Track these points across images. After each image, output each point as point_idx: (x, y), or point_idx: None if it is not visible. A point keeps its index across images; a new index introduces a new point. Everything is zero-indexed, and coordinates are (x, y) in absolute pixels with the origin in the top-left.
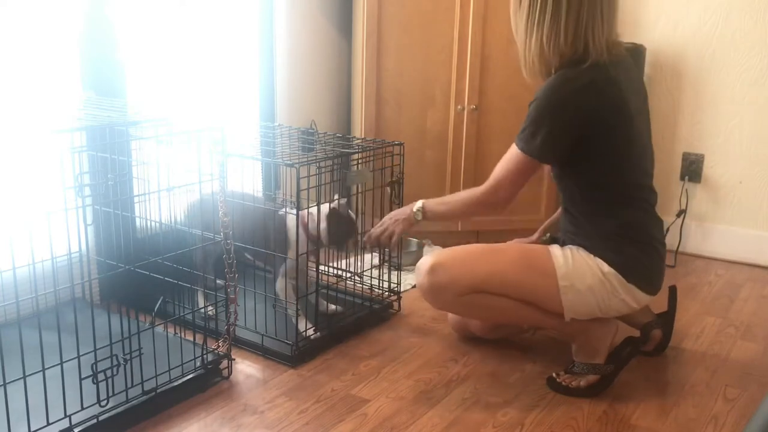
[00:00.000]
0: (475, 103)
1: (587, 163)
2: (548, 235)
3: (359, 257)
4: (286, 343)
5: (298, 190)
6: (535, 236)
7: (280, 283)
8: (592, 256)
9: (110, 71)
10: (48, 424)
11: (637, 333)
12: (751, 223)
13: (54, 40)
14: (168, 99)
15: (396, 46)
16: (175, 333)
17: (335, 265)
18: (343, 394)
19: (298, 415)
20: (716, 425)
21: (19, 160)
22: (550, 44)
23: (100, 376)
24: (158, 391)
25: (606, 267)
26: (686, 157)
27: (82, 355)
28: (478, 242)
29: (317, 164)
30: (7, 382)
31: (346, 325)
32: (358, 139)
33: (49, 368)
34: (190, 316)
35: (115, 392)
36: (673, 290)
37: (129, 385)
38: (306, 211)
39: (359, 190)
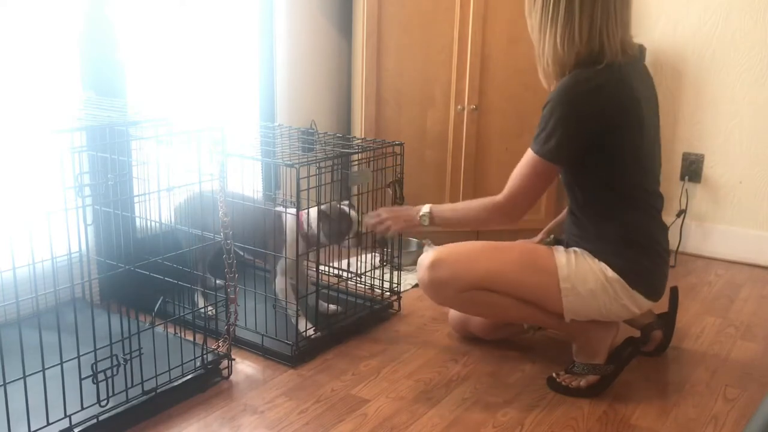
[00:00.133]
0: (475, 103)
1: (597, 166)
2: (552, 236)
3: (359, 256)
4: (286, 343)
5: (298, 190)
6: (539, 237)
7: (279, 283)
8: (596, 260)
9: (110, 71)
10: (48, 424)
11: (637, 333)
12: (751, 223)
13: (54, 40)
14: (168, 99)
15: (396, 46)
16: (175, 333)
17: (335, 265)
18: (343, 394)
19: (298, 415)
20: (716, 425)
21: (19, 160)
22: (564, 44)
23: (100, 376)
24: (158, 391)
25: (610, 272)
26: (686, 157)
27: (82, 355)
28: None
29: (317, 164)
30: (7, 382)
31: (346, 325)
32: (358, 139)
33: (49, 368)
34: (190, 316)
35: (115, 392)
36: (674, 291)
37: (129, 385)
38: (303, 212)
39: (360, 191)
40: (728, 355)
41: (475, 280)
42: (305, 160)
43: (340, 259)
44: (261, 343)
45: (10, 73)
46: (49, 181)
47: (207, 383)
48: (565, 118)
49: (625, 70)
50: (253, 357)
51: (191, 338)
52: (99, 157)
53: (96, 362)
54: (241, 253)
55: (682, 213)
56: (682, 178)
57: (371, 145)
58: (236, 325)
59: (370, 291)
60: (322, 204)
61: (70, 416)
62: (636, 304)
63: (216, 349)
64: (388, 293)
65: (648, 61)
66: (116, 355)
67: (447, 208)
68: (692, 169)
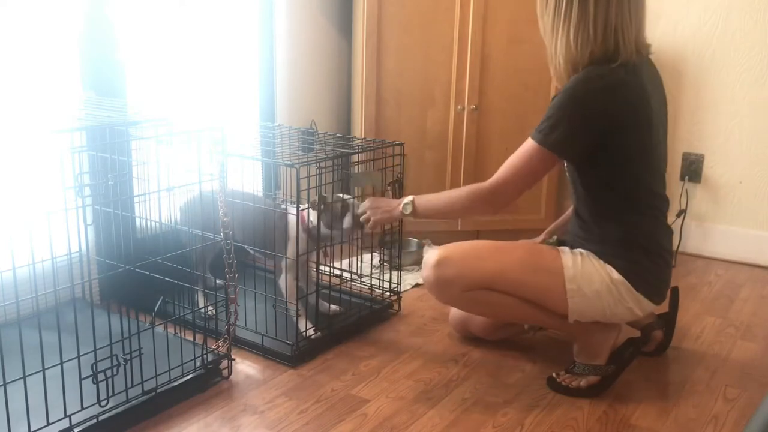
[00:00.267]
0: (475, 103)
1: (604, 166)
2: (555, 237)
3: (359, 256)
4: (286, 343)
5: (298, 190)
6: (541, 238)
7: (283, 280)
8: (601, 262)
9: (110, 71)
10: (48, 424)
11: (637, 333)
12: (751, 223)
13: (54, 40)
14: (168, 99)
15: (396, 46)
16: (175, 333)
17: (335, 265)
18: (343, 394)
19: (298, 415)
20: (716, 425)
21: (19, 160)
22: (577, 43)
23: (100, 376)
24: (158, 391)
25: (615, 274)
26: (686, 157)
27: (82, 355)
28: None
29: (317, 164)
30: (7, 382)
31: (346, 325)
32: (358, 139)
33: (49, 368)
34: (190, 316)
35: (115, 392)
36: (675, 291)
37: (129, 385)
38: (305, 210)
39: (360, 193)
40: (728, 355)
41: (481, 279)
42: (305, 160)
43: (340, 259)
44: (261, 343)
45: (10, 73)
46: (49, 181)
47: (207, 383)
48: (573, 112)
49: (638, 70)
50: (253, 357)
51: (191, 338)
52: (99, 157)
53: (96, 362)
54: (250, 251)
55: (682, 213)
56: (682, 178)
57: (371, 145)
58: (236, 325)
59: (369, 291)
60: (312, 199)
61: (70, 416)
62: (640, 306)
63: (216, 349)
64: (388, 293)
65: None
66: (116, 355)
67: (431, 196)
68: (692, 169)
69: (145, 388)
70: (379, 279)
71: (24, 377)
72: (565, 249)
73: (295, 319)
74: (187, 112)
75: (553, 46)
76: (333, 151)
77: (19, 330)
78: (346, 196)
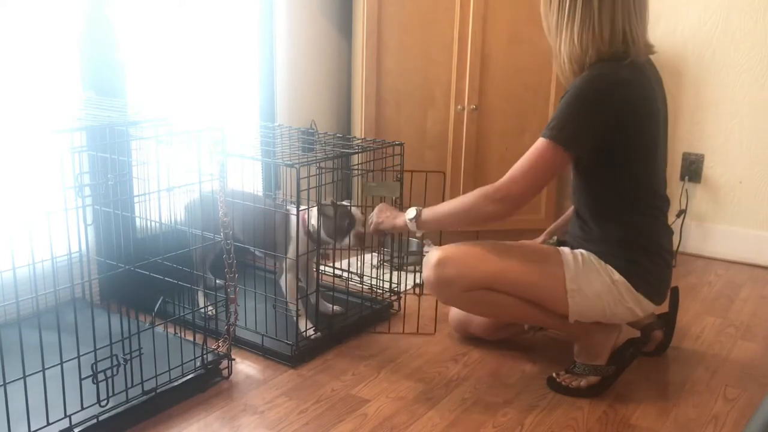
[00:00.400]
0: (475, 103)
1: (605, 166)
2: (555, 238)
3: (360, 256)
4: (286, 343)
5: (298, 190)
6: (541, 238)
7: (284, 280)
8: (602, 262)
9: (110, 71)
10: (48, 424)
11: (637, 333)
12: (751, 223)
13: (54, 40)
14: (168, 99)
15: (396, 46)
16: (175, 333)
17: (335, 265)
18: (343, 394)
19: (298, 415)
20: (716, 425)
21: (19, 160)
22: (582, 42)
23: (100, 376)
24: (158, 391)
25: (616, 275)
26: (686, 157)
27: (82, 355)
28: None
29: (317, 164)
30: (7, 382)
31: (346, 325)
32: (358, 139)
33: (49, 368)
34: (190, 316)
35: (115, 392)
36: (675, 291)
37: (129, 385)
38: (306, 211)
39: (372, 203)
40: (728, 355)
41: (482, 279)
42: (305, 160)
43: (340, 259)
44: (261, 343)
45: (10, 73)
46: (49, 181)
47: (207, 383)
48: (582, 110)
49: (644, 69)
50: (253, 357)
51: (191, 338)
52: (99, 157)
53: (96, 362)
54: (252, 250)
55: (682, 213)
56: (682, 178)
57: (371, 145)
58: (236, 325)
59: (370, 291)
60: (323, 202)
61: (70, 416)
62: (640, 306)
63: (216, 349)
64: (388, 293)
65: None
66: (116, 355)
67: (437, 205)
68: (692, 169)
69: (145, 388)
70: (380, 279)
71: (24, 377)
72: (566, 249)
73: (295, 318)
74: (187, 112)
75: (558, 46)
76: (333, 151)
77: (19, 330)
78: (353, 209)
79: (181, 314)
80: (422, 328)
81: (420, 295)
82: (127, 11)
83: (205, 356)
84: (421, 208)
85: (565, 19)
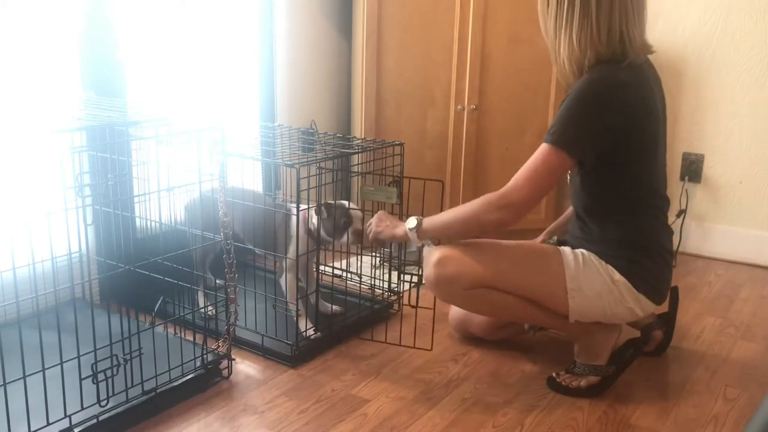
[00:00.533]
0: (475, 103)
1: (606, 166)
2: (555, 238)
3: (360, 256)
4: (286, 343)
5: (298, 190)
6: (541, 238)
7: (284, 279)
8: (602, 262)
9: (110, 71)
10: (48, 424)
11: (637, 333)
12: (751, 223)
13: (54, 40)
14: (168, 99)
15: (396, 46)
16: (175, 333)
17: (335, 265)
18: (343, 394)
19: (298, 415)
20: (716, 425)
21: (19, 160)
22: (581, 43)
23: (100, 376)
24: (158, 391)
25: (617, 275)
26: (686, 157)
27: (82, 355)
28: None
29: (317, 164)
30: (7, 382)
31: (346, 325)
32: (358, 139)
33: (49, 368)
34: (190, 316)
35: (115, 392)
36: (674, 291)
37: (129, 385)
38: (306, 210)
39: (372, 208)
40: (728, 355)
41: (482, 278)
42: (305, 160)
43: (340, 259)
44: (261, 343)
45: (10, 73)
46: (49, 181)
47: (207, 383)
48: (583, 113)
49: (643, 70)
50: (253, 357)
51: (191, 338)
52: (99, 157)
53: (96, 362)
54: (255, 251)
55: (682, 213)
56: (682, 178)
57: (371, 145)
58: (236, 325)
59: (369, 291)
60: (323, 202)
61: (70, 416)
62: (640, 306)
63: (216, 349)
64: (388, 293)
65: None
66: (116, 355)
67: (439, 214)
68: (692, 169)
69: (145, 388)
70: (380, 279)
71: (24, 377)
72: (566, 249)
73: (295, 318)
74: (187, 112)
75: (557, 48)
76: (333, 151)
77: (19, 330)
78: (352, 208)
79: (181, 314)
80: (422, 328)
81: (416, 307)
82: (127, 11)
83: (205, 356)
84: (421, 217)
85: (564, 20)
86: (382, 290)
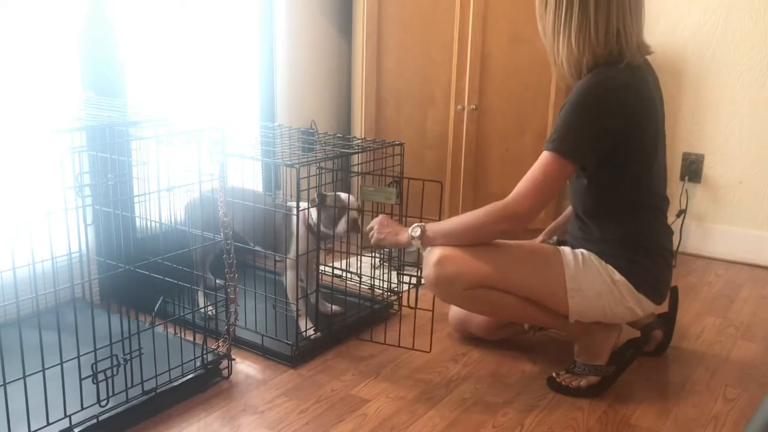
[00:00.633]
0: (475, 103)
1: (606, 167)
2: (555, 238)
3: (360, 256)
4: (286, 343)
5: (298, 190)
6: (540, 238)
7: (289, 278)
8: (603, 262)
9: (110, 71)
10: (48, 424)
11: (637, 333)
12: (751, 223)
13: (54, 40)
14: (168, 99)
15: (396, 46)
16: (175, 333)
17: (335, 265)
18: (343, 394)
19: (298, 415)
20: (716, 425)
21: (19, 160)
22: (579, 44)
23: (100, 376)
24: (158, 391)
25: (617, 275)
26: (686, 157)
27: (82, 355)
28: None
29: (317, 164)
30: (7, 382)
31: (346, 325)
32: (358, 139)
33: (49, 368)
34: (190, 316)
35: (115, 392)
36: (674, 291)
37: (129, 385)
38: (306, 210)
39: (373, 209)
40: (728, 355)
41: (482, 277)
42: (305, 160)
43: (340, 259)
44: (261, 343)
45: (10, 73)
46: (49, 181)
47: (207, 383)
48: (582, 118)
49: (641, 71)
50: (253, 357)
51: (191, 338)
52: (99, 157)
53: (96, 362)
54: (257, 250)
55: (682, 213)
56: (682, 178)
57: (371, 145)
58: (236, 325)
59: (369, 291)
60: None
61: (70, 416)
62: (641, 306)
63: (216, 349)
64: (388, 293)
65: (649, 60)
66: (116, 355)
67: (443, 221)
68: (692, 169)
69: (145, 388)
70: (380, 279)
71: (24, 377)
72: (566, 249)
73: (296, 316)
74: (187, 112)
75: (555, 49)
76: (333, 151)
77: (19, 330)
78: (343, 195)
79: (181, 314)
80: (422, 328)
81: (416, 308)
82: (127, 11)
83: (205, 356)
84: (423, 224)
85: (562, 21)
86: (382, 290)
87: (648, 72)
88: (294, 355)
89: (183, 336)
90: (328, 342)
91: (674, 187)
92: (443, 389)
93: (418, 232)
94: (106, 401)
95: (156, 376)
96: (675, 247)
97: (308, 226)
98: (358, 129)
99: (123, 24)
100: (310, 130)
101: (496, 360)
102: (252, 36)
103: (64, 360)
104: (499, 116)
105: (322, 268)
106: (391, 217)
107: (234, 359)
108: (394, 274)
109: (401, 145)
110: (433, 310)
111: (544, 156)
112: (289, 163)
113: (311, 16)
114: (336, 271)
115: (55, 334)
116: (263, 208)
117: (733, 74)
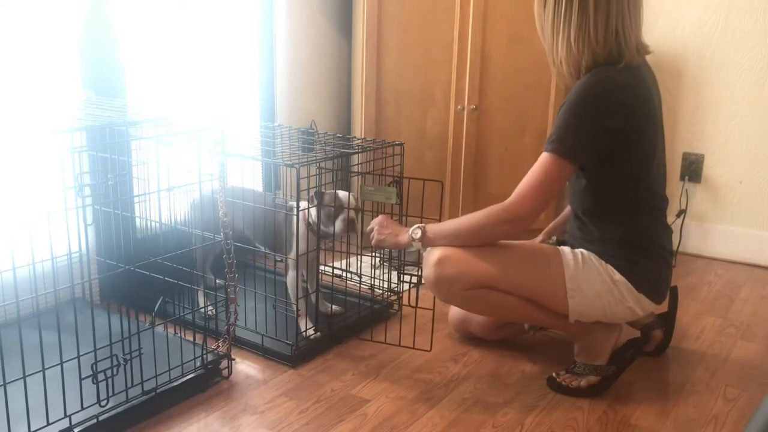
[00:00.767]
0: (475, 103)
1: (606, 168)
2: (554, 238)
3: (360, 256)
4: (286, 343)
5: (298, 190)
6: (540, 238)
7: (290, 277)
8: (603, 262)
9: (110, 71)
10: (48, 424)
11: (637, 333)
12: (751, 223)
13: (54, 40)
14: (168, 99)
15: (396, 46)
16: (175, 333)
17: (335, 265)
18: (343, 394)
19: (298, 415)
20: (716, 425)
21: (19, 160)
22: (578, 44)
23: (100, 376)
24: (158, 391)
25: (617, 275)
26: (686, 157)
27: (82, 355)
28: None
29: (317, 164)
30: (7, 382)
31: (346, 325)
32: (358, 139)
33: (49, 368)
34: (190, 316)
35: (115, 392)
36: (674, 291)
37: (129, 385)
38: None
39: (373, 208)
40: (728, 355)
41: (482, 278)
42: (305, 160)
43: (340, 259)
44: (261, 343)
45: (10, 73)
46: (49, 181)
47: (207, 383)
48: (587, 115)
49: (640, 71)
50: (253, 357)
51: (191, 338)
52: (99, 157)
53: (96, 362)
54: (260, 247)
55: (682, 213)
56: (682, 178)
57: (371, 145)
58: (236, 325)
59: (369, 291)
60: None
61: (70, 416)
62: (641, 306)
63: (216, 349)
64: (388, 293)
65: (648, 60)
66: (116, 355)
67: (442, 224)
68: (692, 169)
69: (145, 388)
70: (380, 279)
71: (24, 377)
72: (566, 249)
73: (296, 315)
74: (187, 112)
75: (554, 48)
76: (333, 151)
77: (19, 330)
78: (341, 194)
79: (181, 314)
80: (422, 328)
81: (416, 307)
82: (127, 11)
83: (205, 356)
84: (424, 225)
85: (561, 21)
86: (382, 290)
87: (647, 72)
88: (294, 355)
89: (183, 336)
90: (328, 342)
91: (674, 187)
92: (443, 389)
93: (418, 234)
94: (106, 401)
95: (156, 376)
96: (675, 247)
97: (308, 225)
98: (358, 129)
99: (123, 24)
100: (310, 130)
101: (496, 360)
102: (252, 36)
103: (64, 360)
104: (499, 116)
105: (322, 268)
106: (391, 217)
107: (234, 359)
108: (394, 273)
109: (401, 145)
110: (433, 309)
111: (544, 157)
112: (289, 163)
113: (311, 16)
114: (336, 271)
115: (55, 334)
116: (268, 209)
117: (733, 74)
